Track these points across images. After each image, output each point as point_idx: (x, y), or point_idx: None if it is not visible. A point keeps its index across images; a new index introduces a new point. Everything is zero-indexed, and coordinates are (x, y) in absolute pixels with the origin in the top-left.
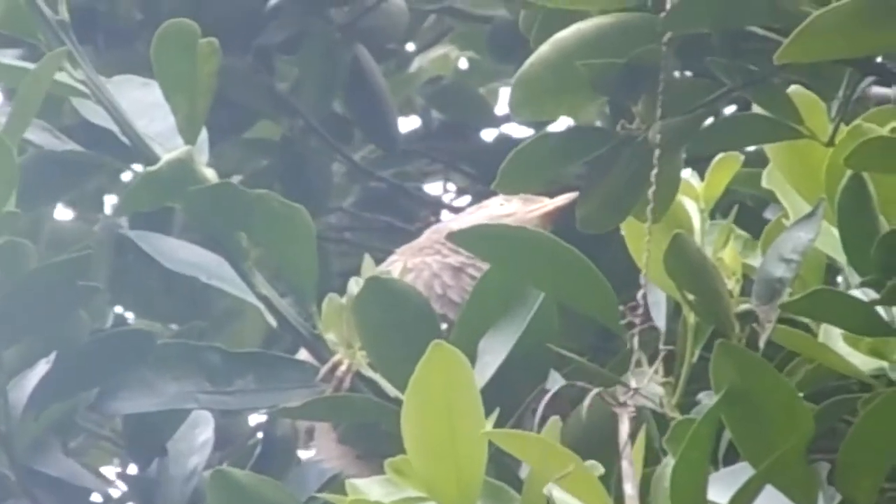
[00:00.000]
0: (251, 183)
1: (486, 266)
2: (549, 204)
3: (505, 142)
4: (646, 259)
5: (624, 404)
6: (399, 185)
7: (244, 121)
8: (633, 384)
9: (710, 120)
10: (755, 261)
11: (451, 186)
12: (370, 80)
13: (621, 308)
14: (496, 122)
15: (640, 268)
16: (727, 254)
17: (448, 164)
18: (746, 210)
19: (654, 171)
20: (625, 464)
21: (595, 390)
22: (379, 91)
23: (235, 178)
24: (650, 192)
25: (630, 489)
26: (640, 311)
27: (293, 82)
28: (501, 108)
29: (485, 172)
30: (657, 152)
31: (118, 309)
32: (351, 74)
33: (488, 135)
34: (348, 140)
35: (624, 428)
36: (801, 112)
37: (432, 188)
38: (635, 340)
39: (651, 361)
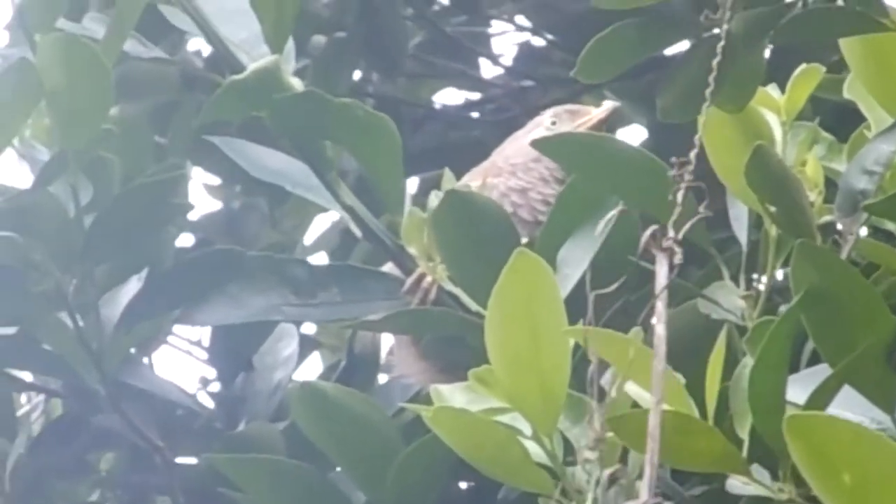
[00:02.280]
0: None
1: (547, 190)
2: (591, 118)
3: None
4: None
5: (662, 247)
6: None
7: None
8: (672, 233)
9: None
10: (840, 165)
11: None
12: None
13: (672, 160)
14: None
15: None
16: (809, 165)
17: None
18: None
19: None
20: (658, 304)
21: (651, 229)
22: None
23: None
24: None
25: (661, 329)
26: (691, 167)
27: None
28: None
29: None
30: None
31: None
32: None
33: None
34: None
35: (662, 270)
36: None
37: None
38: (679, 195)
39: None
